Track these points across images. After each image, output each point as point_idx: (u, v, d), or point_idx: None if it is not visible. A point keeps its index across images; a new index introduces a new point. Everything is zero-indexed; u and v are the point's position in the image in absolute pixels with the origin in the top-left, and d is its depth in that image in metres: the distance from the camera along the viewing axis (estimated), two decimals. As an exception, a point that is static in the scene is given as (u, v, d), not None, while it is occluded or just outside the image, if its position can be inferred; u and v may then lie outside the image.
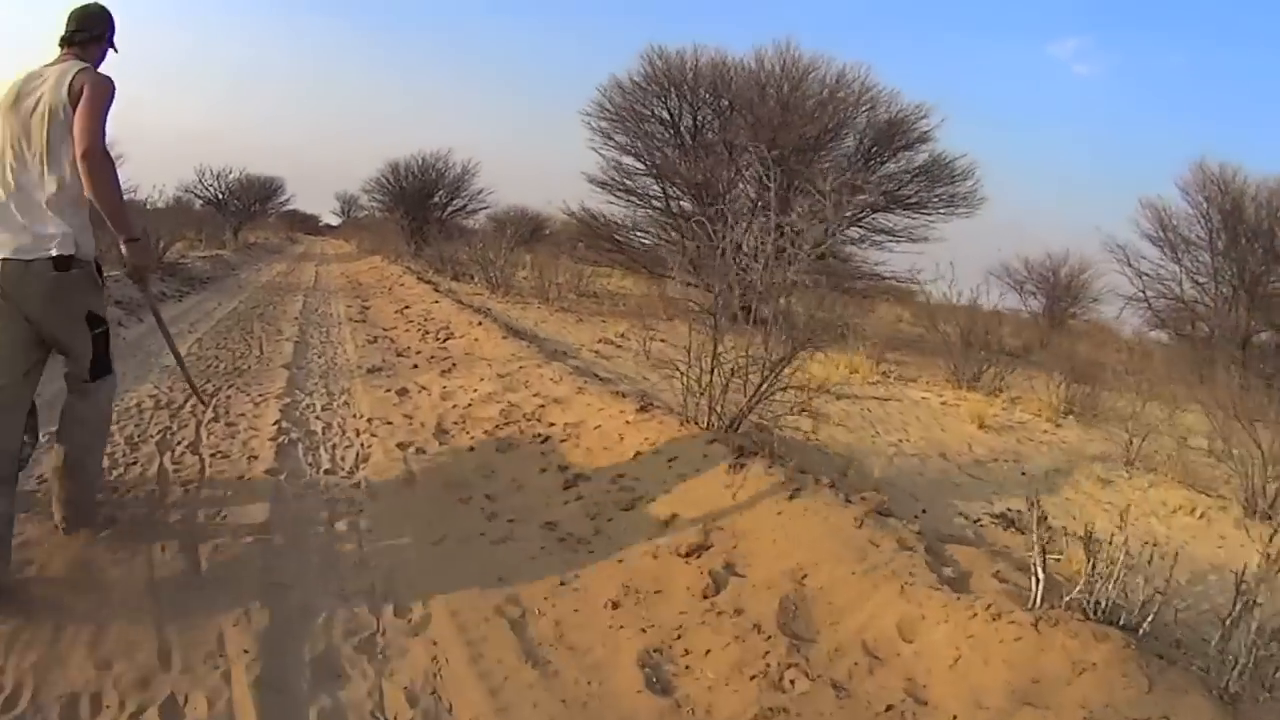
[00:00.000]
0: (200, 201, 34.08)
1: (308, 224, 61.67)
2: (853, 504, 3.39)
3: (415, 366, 7.01)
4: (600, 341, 8.98)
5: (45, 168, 2.94)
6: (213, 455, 4.31)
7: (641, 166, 14.73)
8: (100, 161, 2.90)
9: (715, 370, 4.62)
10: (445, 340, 8.25)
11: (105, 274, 3.22)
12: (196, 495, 3.78)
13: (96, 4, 3.23)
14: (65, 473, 3.12)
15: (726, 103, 14.18)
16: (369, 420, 5.27)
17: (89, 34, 3.19)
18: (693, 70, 14.34)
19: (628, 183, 14.75)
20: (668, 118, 14.65)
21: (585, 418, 5.07)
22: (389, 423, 5.24)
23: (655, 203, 14.70)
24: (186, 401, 5.28)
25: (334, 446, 4.70)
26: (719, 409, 4.60)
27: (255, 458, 4.34)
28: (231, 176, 35.59)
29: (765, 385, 4.57)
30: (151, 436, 4.55)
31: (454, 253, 17.82)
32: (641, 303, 14.40)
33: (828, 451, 4.94)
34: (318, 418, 5.28)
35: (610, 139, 14.85)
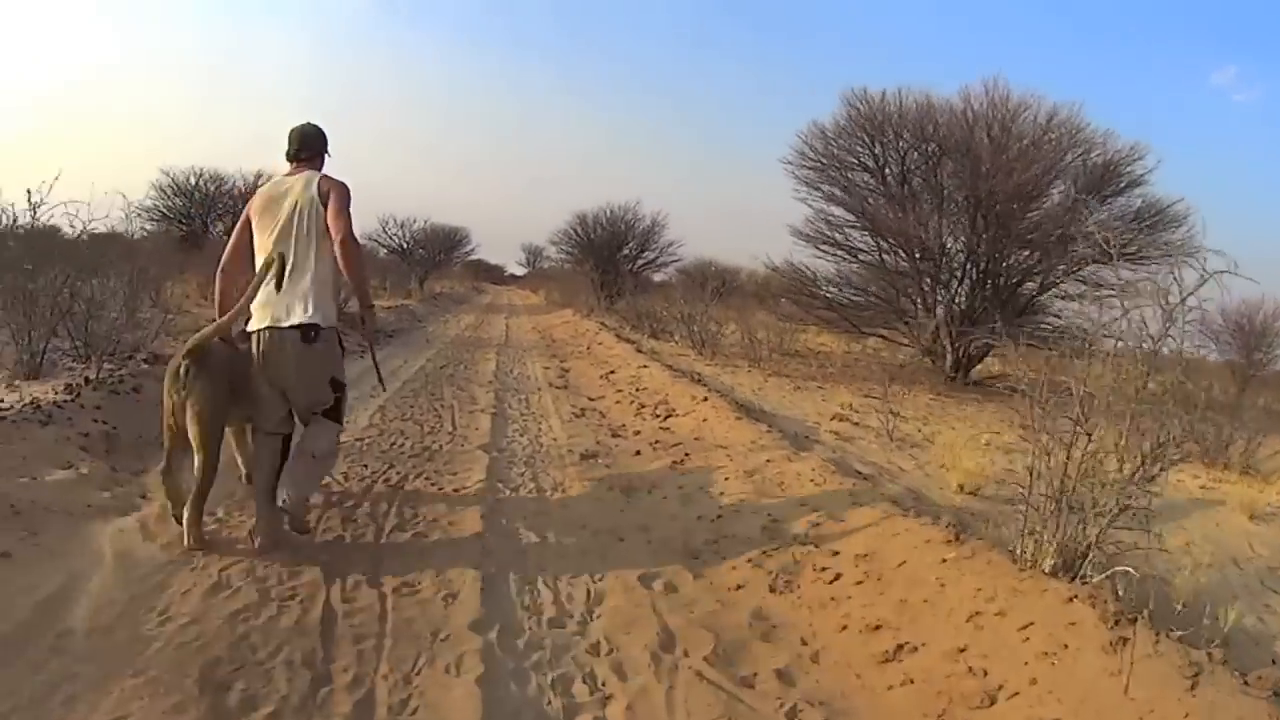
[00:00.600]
0: (384, 250, 34.79)
1: (493, 274, 63.59)
2: (1250, 686, 2.53)
3: (638, 453, 5.77)
4: (835, 418, 7.57)
5: (301, 255, 3.60)
6: (397, 591, 3.22)
7: (851, 217, 13.44)
8: (354, 247, 3.65)
9: (1065, 494, 3.41)
10: (666, 418, 6.98)
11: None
12: (376, 658, 2.71)
13: (313, 125, 3.95)
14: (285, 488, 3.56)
15: (934, 146, 12.80)
16: (594, 534, 4.08)
17: (312, 151, 3.90)
18: (897, 113, 13.08)
19: (836, 236, 13.51)
20: (873, 165, 13.37)
21: (878, 546, 3.72)
22: (620, 539, 4.03)
23: (863, 255, 13.39)
24: (365, 497, 4.34)
25: (555, 577, 3.52)
26: (1058, 539, 3.36)
27: (454, 595, 3.22)
28: (416, 226, 36.53)
29: (1121, 506, 3.33)
30: (319, 555, 3.52)
31: (650, 307, 16.89)
32: (847, 363, 13.28)
33: (1140, 571, 3.52)
34: (530, 527, 4.12)
35: (816, 189, 13.70)
